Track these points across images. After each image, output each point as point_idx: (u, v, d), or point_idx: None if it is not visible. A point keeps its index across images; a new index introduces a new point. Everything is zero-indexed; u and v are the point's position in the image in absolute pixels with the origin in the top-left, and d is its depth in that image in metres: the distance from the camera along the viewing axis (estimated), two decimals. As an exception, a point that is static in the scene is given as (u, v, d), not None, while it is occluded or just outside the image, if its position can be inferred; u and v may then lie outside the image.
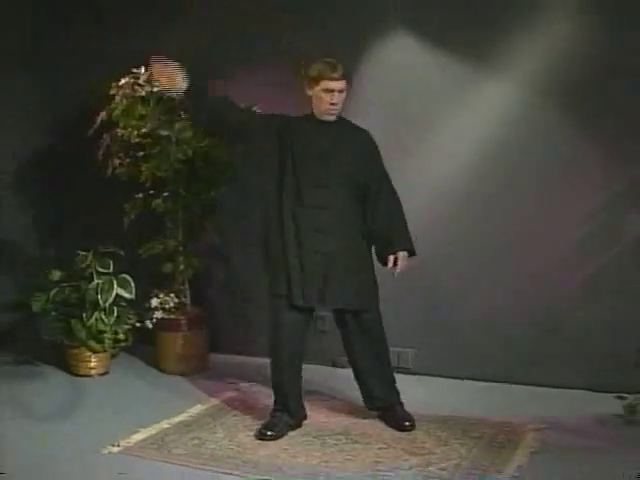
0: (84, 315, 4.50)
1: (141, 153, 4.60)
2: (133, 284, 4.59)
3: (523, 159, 4.32)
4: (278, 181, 3.61)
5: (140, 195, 4.67)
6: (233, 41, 4.93)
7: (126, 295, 4.56)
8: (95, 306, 4.49)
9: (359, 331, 3.66)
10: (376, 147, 3.72)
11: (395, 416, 3.69)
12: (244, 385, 4.40)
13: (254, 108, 4.57)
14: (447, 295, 4.51)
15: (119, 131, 4.51)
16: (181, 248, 4.73)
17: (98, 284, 4.51)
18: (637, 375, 3.77)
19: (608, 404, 3.83)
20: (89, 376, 4.57)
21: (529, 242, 4.32)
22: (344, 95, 3.56)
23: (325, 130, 3.62)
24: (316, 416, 3.78)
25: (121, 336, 4.61)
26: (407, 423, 3.63)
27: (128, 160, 4.63)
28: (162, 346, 4.71)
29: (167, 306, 4.67)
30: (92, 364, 4.59)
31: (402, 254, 3.62)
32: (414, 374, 4.44)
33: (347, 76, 3.54)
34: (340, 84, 3.51)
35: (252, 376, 4.52)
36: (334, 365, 4.64)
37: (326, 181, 3.56)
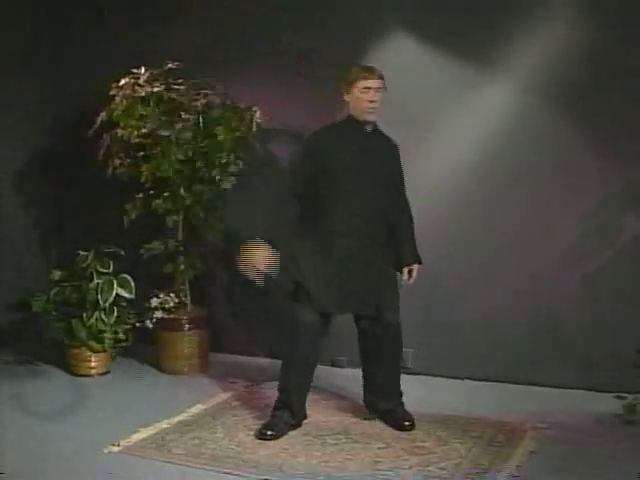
0: (84, 315, 4.51)
1: (141, 153, 4.60)
2: (133, 284, 4.59)
3: (522, 159, 4.32)
4: (315, 187, 3.58)
5: (140, 195, 4.67)
6: (233, 41, 4.94)
7: (126, 295, 4.57)
8: (95, 306, 4.50)
9: (379, 340, 3.68)
10: (400, 161, 3.78)
11: (395, 416, 3.69)
12: (244, 385, 4.41)
13: (254, 108, 4.57)
14: (447, 295, 4.52)
15: (119, 131, 4.52)
16: (182, 248, 4.74)
17: (98, 284, 4.52)
18: (636, 375, 3.76)
19: (607, 404, 3.83)
20: (89, 376, 4.57)
21: (528, 242, 4.33)
22: (381, 95, 3.59)
23: (370, 141, 3.64)
24: (316, 416, 3.78)
25: (121, 336, 4.62)
26: (407, 423, 3.64)
27: (128, 160, 4.64)
28: (163, 346, 4.72)
29: (167, 306, 4.68)
30: (92, 364, 4.59)
31: (416, 266, 3.75)
32: (414, 374, 4.44)
33: (382, 77, 3.59)
34: (377, 82, 3.56)
35: (253, 376, 4.54)
36: (334, 365, 4.65)
37: (362, 188, 3.57)
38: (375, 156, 3.63)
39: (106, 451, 3.37)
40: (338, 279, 3.56)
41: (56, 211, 5.54)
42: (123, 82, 4.52)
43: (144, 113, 4.49)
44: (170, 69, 4.57)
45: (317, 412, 3.83)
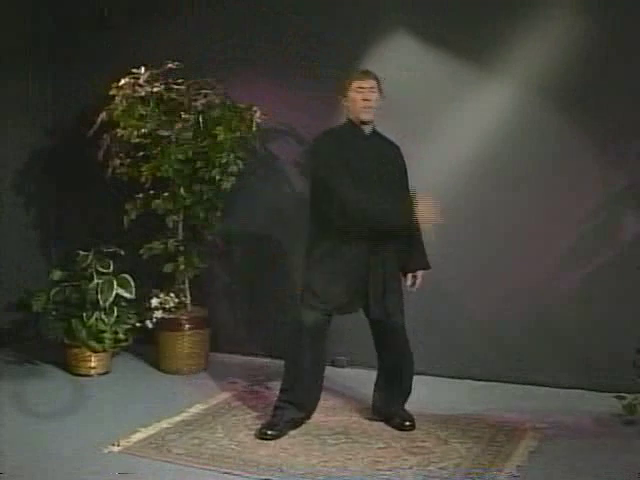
0: (84, 315, 4.51)
1: (141, 153, 4.61)
2: (133, 284, 4.59)
3: (522, 159, 4.32)
4: (322, 191, 3.61)
5: (140, 195, 4.67)
6: (233, 41, 4.94)
7: (126, 295, 4.57)
8: (95, 306, 4.50)
9: (394, 347, 3.71)
10: (404, 162, 3.80)
11: (395, 416, 3.69)
12: (246, 384, 4.41)
13: (254, 108, 4.57)
14: (447, 295, 4.51)
15: (119, 131, 4.52)
16: (182, 248, 4.74)
17: (98, 284, 4.52)
18: (636, 375, 3.76)
19: (607, 404, 3.83)
20: (89, 376, 4.57)
21: (528, 242, 4.33)
22: (376, 96, 3.62)
23: (370, 144, 3.66)
24: (316, 416, 3.78)
25: (121, 336, 4.62)
26: (407, 423, 3.64)
27: (128, 160, 4.64)
28: (163, 346, 4.72)
29: (167, 306, 4.68)
30: (92, 364, 4.59)
31: (421, 273, 3.77)
32: (414, 374, 4.44)
33: (377, 79, 3.64)
34: (370, 82, 3.60)
35: (253, 376, 4.54)
36: (334, 365, 4.65)
37: (365, 191, 3.55)
38: (376, 158, 3.64)
39: (106, 451, 3.37)
40: (346, 282, 3.56)
41: (56, 211, 5.55)
42: (123, 82, 4.53)
43: (144, 113, 4.50)
44: (170, 69, 4.57)
45: (317, 412, 3.82)
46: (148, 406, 4.03)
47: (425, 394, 4.14)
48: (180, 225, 4.75)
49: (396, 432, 3.60)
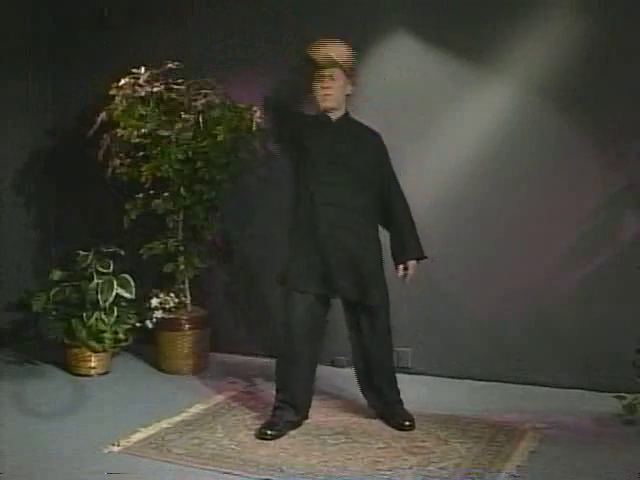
0: (84, 315, 4.51)
1: (141, 153, 4.60)
2: (133, 284, 4.59)
3: (522, 159, 4.32)
4: (294, 179, 3.71)
5: (140, 195, 4.67)
6: (233, 41, 4.94)
7: (126, 295, 4.57)
8: (95, 306, 4.50)
9: (369, 330, 3.69)
10: (386, 150, 3.79)
11: (395, 415, 3.69)
12: (244, 385, 4.41)
13: (254, 108, 4.57)
14: (446, 295, 4.51)
15: (119, 131, 4.52)
16: (182, 248, 4.73)
17: (98, 284, 4.52)
18: (636, 375, 3.76)
19: (607, 404, 3.83)
20: (89, 376, 4.57)
21: (528, 242, 4.33)
22: (338, 84, 3.63)
23: (336, 128, 3.68)
24: (316, 416, 3.78)
25: (121, 336, 4.62)
26: (407, 423, 3.64)
27: (128, 160, 4.64)
28: (163, 346, 4.72)
29: (167, 306, 4.68)
30: (92, 364, 4.59)
31: (412, 263, 3.72)
32: (414, 374, 4.44)
33: (343, 66, 3.62)
34: (329, 70, 3.60)
35: (253, 376, 4.54)
36: (334, 365, 4.65)
37: (338, 179, 3.60)
38: (345, 144, 3.64)
39: (106, 451, 3.37)
40: (318, 262, 3.57)
41: (56, 211, 5.55)
42: (123, 82, 4.52)
43: (144, 113, 4.49)
44: (170, 69, 4.57)
45: (317, 412, 3.83)
46: (148, 406, 4.03)
47: (425, 394, 4.15)
48: (180, 225, 4.75)
49: (396, 432, 3.60)
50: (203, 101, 4.56)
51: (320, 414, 3.83)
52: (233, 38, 4.93)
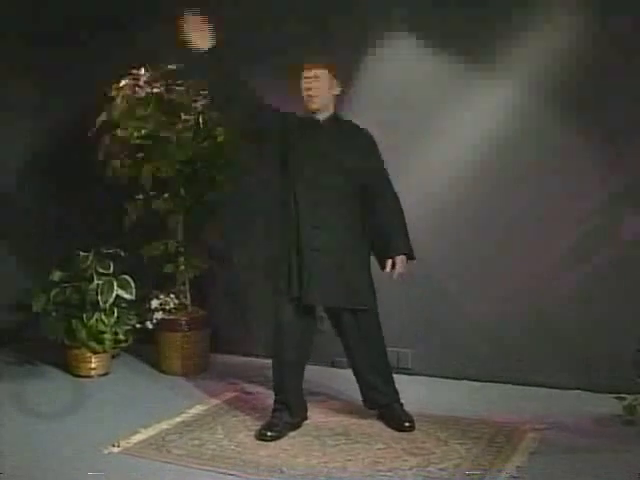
0: (84, 316, 4.51)
1: (141, 154, 4.60)
2: (133, 285, 4.59)
3: (522, 159, 4.32)
4: (279, 180, 3.67)
5: (141, 196, 4.67)
6: (233, 41, 4.92)
7: (126, 296, 4.57)
8: (95, 307, 4.50)
9: (356, 331, 3.67)
10: (375, 145, 3.73)
11: (395, 416, 3.69)
12: (244, 385, 4.41)
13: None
14: (446, 295, 4.51)
15: (119, 132, 4.52)
16: (182, 249, 4.74)
17: (98, 285, 4.52)
18: (636, 375, 3.76)
19: (607, 405, 3.83)
20: (89, 376, 4.58)
21: (527, 242, 4.32)
22: (322, 84, 3.61)
23: (322, 129, 3.66)
24: (316, 416, 3.79)
25: (121, 337, 4.62)
26: (407, 423, 3.64)
27: (129, 161, 4.64)
28: (163, 346, 4.72)
29: (167, 307, 4.68)
30: (92, 364, 4.60)
31: (400, 258, 3.60)
32: (414, 374, 4.44)
33: (328, 67, 3.63)
34: (313, 72, 3.61)
35: (253, 376, 4.54)
36: (334, 365, 4.65)
37: (323, 180, 3.57)
38: (331, 144, 3.62)
39: (106, 451, 3.38)
40: (305, 267, 3.53)
41: (56, 211, 5.55)
42: (123, 83, 4.53)
43: (144, 114, 4.49)
44: (170, 70, 4.57)
45: (317, 412, 3.84)
46: (148, 407, 4.03)
47: (425, 394, 4.15)
48: (180, 226, 4.75)
49: (396, 433, 3.60)
50: (203, 102, 4.56)
51: (320, 415, 3.83)
52: (233, 38, 4.90)
